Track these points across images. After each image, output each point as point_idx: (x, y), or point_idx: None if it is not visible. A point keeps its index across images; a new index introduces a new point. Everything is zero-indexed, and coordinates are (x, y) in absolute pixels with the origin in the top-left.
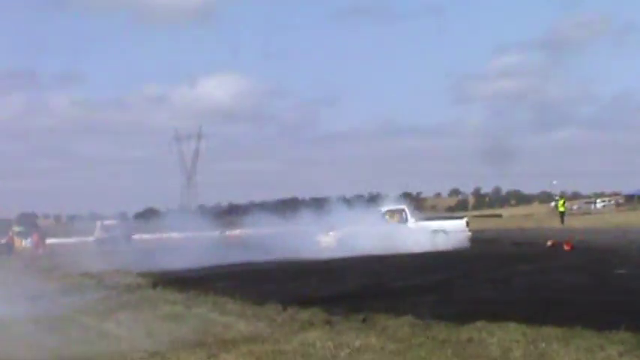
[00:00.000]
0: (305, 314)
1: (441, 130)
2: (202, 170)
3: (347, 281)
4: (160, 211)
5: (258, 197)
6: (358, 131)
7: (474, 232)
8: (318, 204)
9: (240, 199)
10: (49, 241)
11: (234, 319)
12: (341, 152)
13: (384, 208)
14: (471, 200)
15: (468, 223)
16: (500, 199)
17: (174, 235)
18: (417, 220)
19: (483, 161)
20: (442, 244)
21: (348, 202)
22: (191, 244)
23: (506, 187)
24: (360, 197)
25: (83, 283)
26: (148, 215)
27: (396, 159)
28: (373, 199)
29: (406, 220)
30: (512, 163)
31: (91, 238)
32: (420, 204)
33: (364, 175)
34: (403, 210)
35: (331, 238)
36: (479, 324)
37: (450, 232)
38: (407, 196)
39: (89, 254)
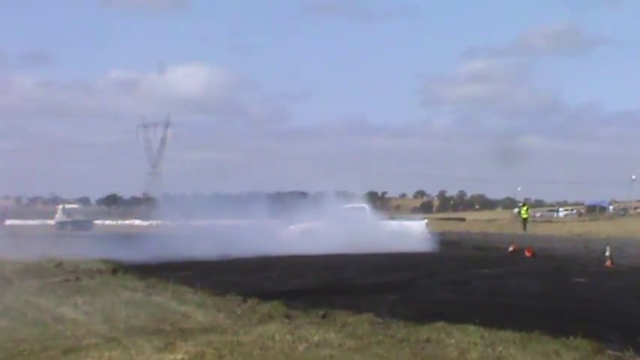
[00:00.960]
0: (265, 307)
1: (409, 131)
2: (168, 158)
3: (307, 276)
4: (123, 198)
5: (222, 188)
6: (326, 128)
7: (438, 234)
8: (282, 198)
9: (205, 190)
10: (9, 222)
11: (193, 308)
12: (309, 148)
13: (346, 206)
14: (436, 202)
15: (428, 225)
16: (464, 203)
17: (137, 222)
18: (378, 220)
19: (449, 164)
20: (402, 244)
21: (312, 197)
22: (155, 232)
23: (470, 192)
24: (324, 194)
25: (42, 266)
26: (110, 201)
27: (363, 157)
28: (338, 196)
29: (367, 219)
30: (479, 166)
31: (51, 221)
32: (384, 204)
33: (330, 171)
34: (364, 208)
35: (291, 232)
36: (438, 325)
37: (410, 233)
38: (372, 196)
39: (49, 237)
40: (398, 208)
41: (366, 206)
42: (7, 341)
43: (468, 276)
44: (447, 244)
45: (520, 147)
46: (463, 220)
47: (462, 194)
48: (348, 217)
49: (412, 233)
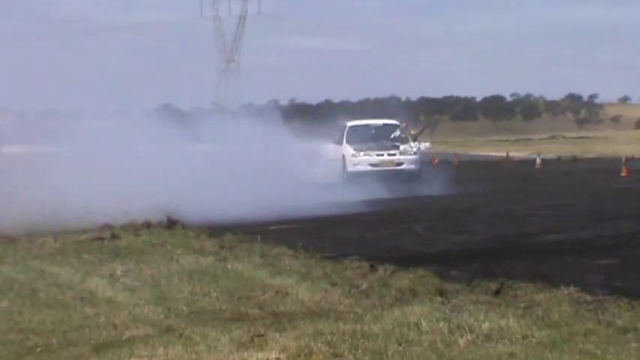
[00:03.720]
0: (405, 278)
1: None
2: (249, 49)
3: (471, 229)
4: (183, 110)
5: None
6: None
7: None
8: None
9: (306, 96)
10: (7, 149)
11: (293, 281)
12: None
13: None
14: None
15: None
16: None
17: (205, 147)
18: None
19: None
20: None
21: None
22: (232, 162)
23: None
24: None
25: (58, 217)
26: (162, 115)
27: None
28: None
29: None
30: None
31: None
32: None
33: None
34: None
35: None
36: None
37: None
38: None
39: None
40: (615, 120)
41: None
42: (11, 331)
43: None
44: None
45: None
46: None
47: None
48: None
49: None
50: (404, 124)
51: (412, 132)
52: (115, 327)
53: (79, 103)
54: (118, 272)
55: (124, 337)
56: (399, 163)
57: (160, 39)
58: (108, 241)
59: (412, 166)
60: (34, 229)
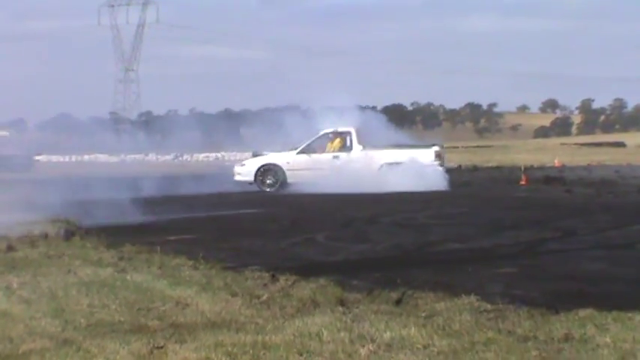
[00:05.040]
0: (306, 288)
1: None
2: (148, 57)
3: (373, 238)
4: (80, 121)
5: (225, 103)
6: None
7: (580, 168)
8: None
9: (204, 106)
10: None
11: (193, 291)
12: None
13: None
14: (576, 119)
15: (439, 155)
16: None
17: (102, 157)
18: (365, 148)
19: None
20: (395, 181)
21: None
22: (129, 172)
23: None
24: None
25: None
26: (60, 125)
27: None
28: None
29: (350, 147)
30: None
31: None
32: (489, 121)
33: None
34: (349, 133)
35: (245, 170)
36: (583, 313)
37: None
38: (473, 109)
39: None
40: (514, 129)
41: (353, 131)
42: None
43: (633, 235)
44: (600, 185)
45: None
46: (622, 145)
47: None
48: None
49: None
50: None
51: None
52: (10, 340)
53: None
54: (14, 285)
55: (20, 351)
56: None
57: (57, 48)
58: (3, 253)
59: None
60: None
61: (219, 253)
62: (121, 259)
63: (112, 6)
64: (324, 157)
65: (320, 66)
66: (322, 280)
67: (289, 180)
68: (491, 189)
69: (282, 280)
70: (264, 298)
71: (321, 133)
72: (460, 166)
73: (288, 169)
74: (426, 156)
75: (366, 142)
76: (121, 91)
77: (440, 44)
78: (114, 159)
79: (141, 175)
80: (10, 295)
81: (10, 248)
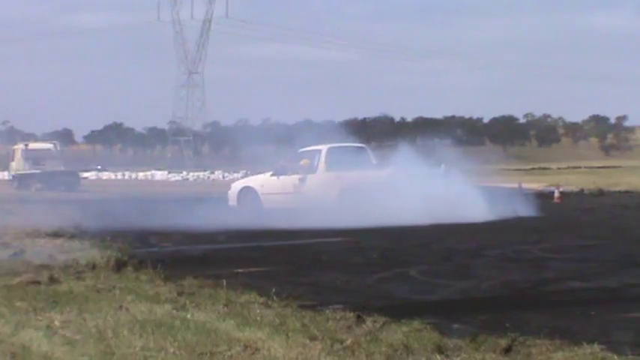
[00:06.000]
0: (398, 331)
1: None
2: (215, 59)
3: (478, 274)
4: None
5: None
6: None
7: None
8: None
9: (280, 115)
10: None
11: (264, 334)
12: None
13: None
14: None
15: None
16: None
17: (159, 174)
18: (330, 170)
19: None
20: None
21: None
22: (192, 192)
23: None
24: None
25: None
26: (110, 136)
27: None
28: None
29: (315, 169)
30: None
31: (5, 174)
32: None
33: None
34: (318, 153)
35: (230, 193)
36: None
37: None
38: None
39: None
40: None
41: (324, 150)
42: None
43: None
44: None
45: None
46: None
47: None
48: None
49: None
50: None
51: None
52: None
53: (11, 121)
54: (57, 323)
55: None
56: None
57: (108, 46)
58: (45, 285)
59: None
60: None
61: (295, 289)
62: (180, 294)
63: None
64: (290, 180)
65: (414, 69)
66: (417, 323)
67: (265, 205)
68: (620, 217)
69: (370, 322)
70: (348, 342)
71: (299, 151)
72: (582, 189)
73: (262, 193)
74: (398, 179)
75: (344, 163)
76: (183, 98)
77: (559, 46)
78: (173, 177)
79: (204, 196)
80: (52, 334)
81: (53, 280)
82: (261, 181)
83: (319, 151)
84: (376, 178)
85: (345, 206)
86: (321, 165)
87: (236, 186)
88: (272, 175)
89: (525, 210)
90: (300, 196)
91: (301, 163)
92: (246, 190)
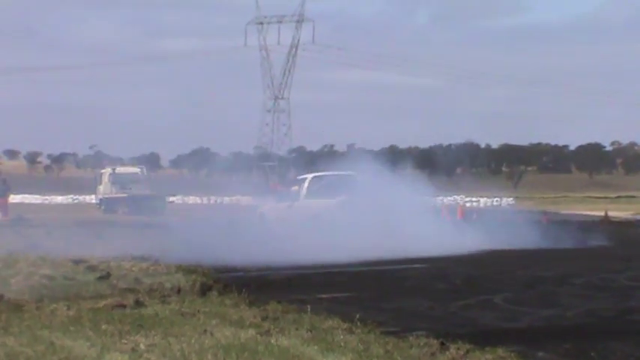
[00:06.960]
0: (481, 359)
1: None
2: (300, 83)
3: (562, 302)
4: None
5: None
6: None
7: None
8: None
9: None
10: (14, 199)
11: (348, 359)
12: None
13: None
14: None
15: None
16: None
17: (246, 200)
18: (309, 197)
19: None
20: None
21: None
22: (277, 215)
23: None
24: None
25: (72, 279)
26: (198, 161)
27: None
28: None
29: (298, 196)
30: None
31: (92, 198)
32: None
33: None
34: (304, 180)
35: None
36: None
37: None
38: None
39: (86, 227)
40: None
41: (310, 177)
42: None
43: None
44: None
45: None
46: None
47: None
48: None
49: None
50: None
51: None
52: None
53: (98, 145)
54: (142, 346)
55: None
56: None
57: (194, 71)
58: (130, 308)
59: None
60: (43, 293)
61: (378, 315)
62: (264, 319)
63: (261, 23)
64: (282, 206)
65: (496, 96)
66: (501, 351)
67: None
68: None
69: (453, 349)
70: None
71: (297, 178)
72: None
73: (268, 219)
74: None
75: (325, 191)
76: (268, 123)
77: None
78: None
79: None
80: (137, 358)
81: (139, 303)
82: (270, 207)
83: (305, 179)
84: (326, 207)
85: (316, 234)
86: (303, 193)
87: (259, 211)
88: (278, 200)
89: (597, 238)
90: (285, 222)
91: (292, 189)
92: (260, 215)
